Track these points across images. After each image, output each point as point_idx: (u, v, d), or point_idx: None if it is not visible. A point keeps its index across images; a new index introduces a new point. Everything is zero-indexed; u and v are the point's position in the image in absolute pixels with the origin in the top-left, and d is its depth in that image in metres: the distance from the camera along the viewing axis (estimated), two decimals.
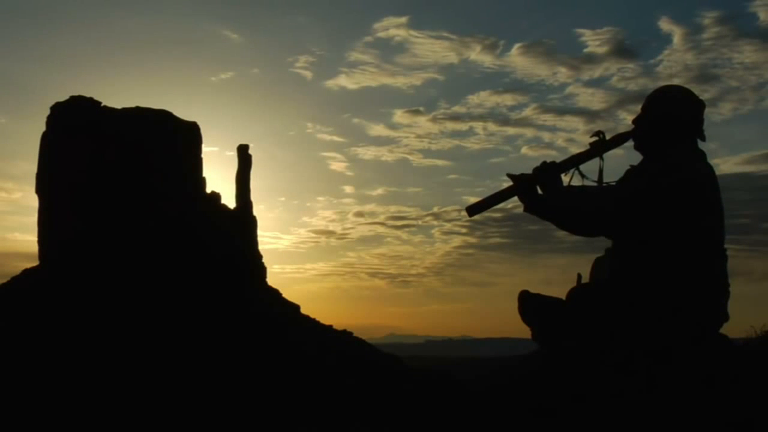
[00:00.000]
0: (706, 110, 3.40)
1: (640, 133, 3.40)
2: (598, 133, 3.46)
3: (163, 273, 58.01)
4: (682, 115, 3.31)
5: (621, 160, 3.59)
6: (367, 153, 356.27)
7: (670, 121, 3.31)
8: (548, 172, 3.38)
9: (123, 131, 61.18)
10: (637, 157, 3.44)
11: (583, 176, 3.43)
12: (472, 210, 3.43)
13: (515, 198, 3.42)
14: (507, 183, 3.42)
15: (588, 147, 3.45)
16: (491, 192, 3.44)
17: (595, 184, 3.42)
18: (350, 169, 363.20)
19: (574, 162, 3.44)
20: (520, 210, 3.42)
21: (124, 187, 60.15)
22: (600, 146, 3.44)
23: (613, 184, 3.39)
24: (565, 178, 3.41)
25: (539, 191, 3.38)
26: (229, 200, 69.64)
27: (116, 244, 58.58)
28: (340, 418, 35.12)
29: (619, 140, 3.45)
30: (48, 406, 39.14)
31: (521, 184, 3.37)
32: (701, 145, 3.37)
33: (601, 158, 3.44)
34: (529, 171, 3.40)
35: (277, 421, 38.86)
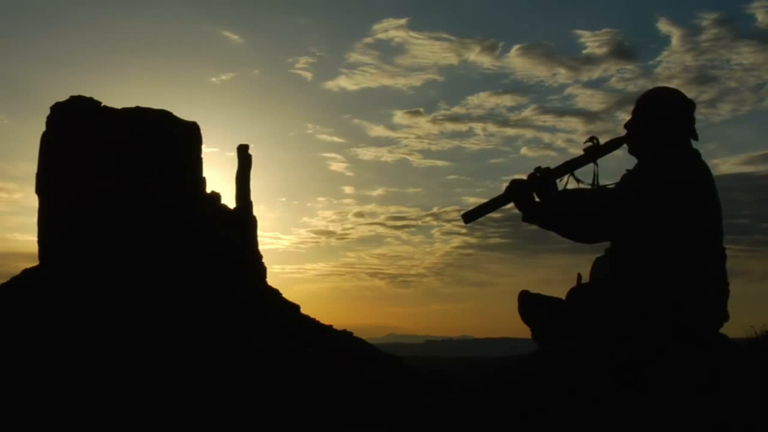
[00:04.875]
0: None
1: (633, 137, 3.41)
2: (591, 139, 3.49)
3: (163, 273, 58.01)
4: (673, 116, 3.32)
5: (617, 163, 3.61)
6: (367, 153, 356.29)
7: (662, 122, 3.32)
8: (543, 178, 3.40)
9: (123, 131, 61.17)
10: (632, 162, 3.46)
11: (578, 181, 3.45)
12: (468, 217, 3.47)
13: None
14: (506, 185, 3.44)
15: (582, 152, 3.47)
16: (490, 192, 3.48)
17: (590, 188, 3.44)
18: (350, 169, 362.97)
19: (568, 167, 3.46)
20: (517, 209, 3.43)
21: (123, 187, 60.14)
22: (594, 151, 3.46)
23: (611, 185, 3.40)
24: (560, 184, 3.43)
25: (535, 198, 3.40)
26: (229, 200, 69.71)
27: (116, 244, 58.57)
28: (340, 418, 35.12)
29: (612, 145, 3.47)
30: (48, 405, 39.14)
31: (516, 190, 3.38)
32: (696, 144, 3.38)
33: (596, 163, 3.46)
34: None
35: (277, 421, 38.86)
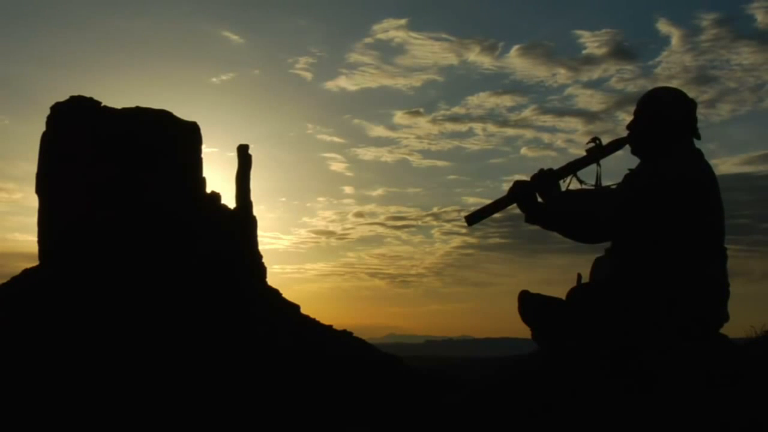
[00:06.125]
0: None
1: (635, 138, 3.41)
2: (594, 139, 3.50)
3: (163, 273, 58.01)
4: (674, 116, 3.32)
5: (620, 164, 3.61)
6: (367, 154, 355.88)
7: (663, 122, 3.33)
8: (546, 179, 3.40)
9: (123, 131, 61.17)
10: (635, 162, 3.46)
11: (581, 182, 3.46)
12: (472, 219, 3.46)
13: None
14: (507, 185, 3.44)
15: (585, 153, 3.48)
16: (490, 192, 3.49)
17: (593, 188, 3.44)
18: (350, 169, 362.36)
19: (571, 168, 3.46)
20: (520, 210, 3.43)
21: (123, 187, 60.15)
22: (597, 152, 3.46)
23: (613, 186, 3.40)
24: (563, 185, 3.44)
25: (538, 199, 3.40)
26: (229, 200, 69.71)
27: (116, 244, 58.57)
28: (340, 418, 35.12)
29: (615, 146, 3.47)
30: (48, 405, 39.15)
31: (519, 191, 3.38)
32: (698, 144, 3.38)
33: (598, 164, 3.46)
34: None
35: (277, 420, 38.87)
